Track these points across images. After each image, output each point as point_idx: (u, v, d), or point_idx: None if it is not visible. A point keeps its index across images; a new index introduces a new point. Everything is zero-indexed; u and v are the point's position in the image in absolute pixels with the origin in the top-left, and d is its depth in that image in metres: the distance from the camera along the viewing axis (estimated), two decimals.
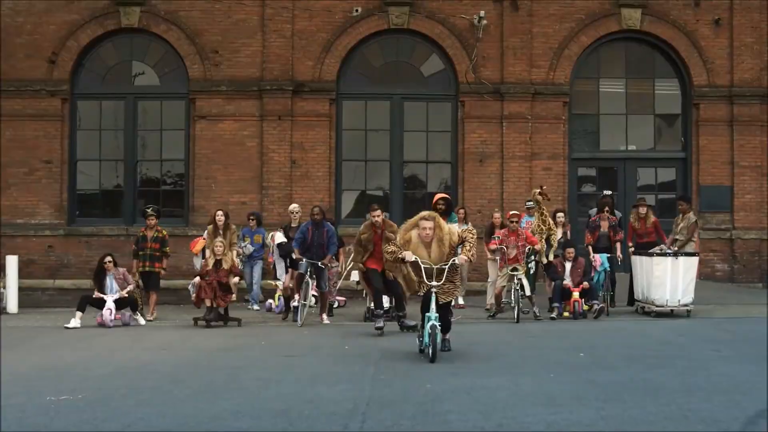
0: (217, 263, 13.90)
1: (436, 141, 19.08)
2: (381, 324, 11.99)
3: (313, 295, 13.68)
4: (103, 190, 19.24)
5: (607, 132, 19.37)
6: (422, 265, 9.47)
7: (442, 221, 9.84)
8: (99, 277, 14.25)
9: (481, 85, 18.61)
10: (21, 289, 17.08)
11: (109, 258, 14.30)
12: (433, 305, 9.37)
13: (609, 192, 16.34)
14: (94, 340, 12.13)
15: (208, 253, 14.39)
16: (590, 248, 14.89)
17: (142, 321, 14.19)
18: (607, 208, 15.23)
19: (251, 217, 16.49)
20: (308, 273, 13.48)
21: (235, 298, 13.92)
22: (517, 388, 7.77)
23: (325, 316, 13.98)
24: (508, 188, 18.42)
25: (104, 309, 13.72)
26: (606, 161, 19.39)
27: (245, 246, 15.91)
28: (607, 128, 19.37)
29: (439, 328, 9.34)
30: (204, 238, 15.50)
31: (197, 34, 18.70)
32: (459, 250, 9.90)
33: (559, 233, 15.26)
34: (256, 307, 16.12)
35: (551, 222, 15.02)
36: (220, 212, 15.54)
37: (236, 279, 14.08)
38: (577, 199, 19.07)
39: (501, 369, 8.94)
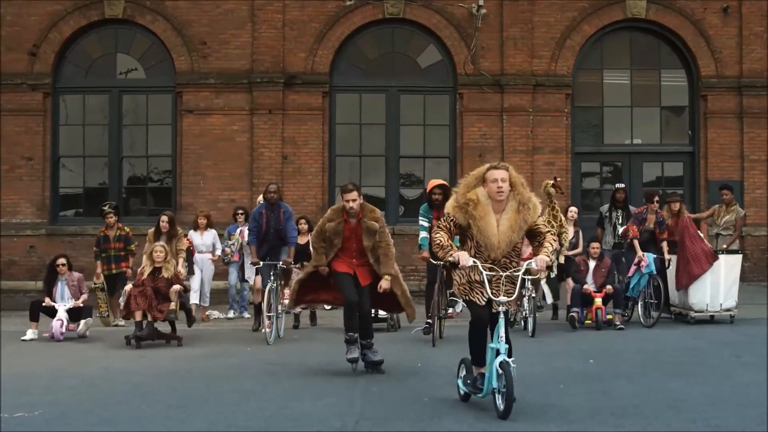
0: (157, 271, 11.60)
1: (433, 135, 18.33)
2: (356, 354, 8.70)
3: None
4: (87, 187, 18.44)
5: (611, 125, 18.60)
6: (484, 273, 6.52)
7: (520, 178, 6.76)
8: (49, 282, 12.57)
9: (480, 76, 17.86)
10: (2, 291, 16.42)
11: (62, 260, 12.59)
12: (502, 331, 6.41)
13: (623, 185, 14.60)
14: (66, 347, 11.34)
15: (144, 260, 11.86)
16: (636, 243, 12.79)
17: (83, 326, 12.06)
18: (656, 198, 13.26)
19: (239, 212, 14.79)
20: (272, 279, 11.52)
21: (173, 307, 11.45)
22: (525, 401, 7.01)
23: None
24: None
25: (54, 320, 11.95)
26: (610, 155, 18.64)
27: (232, 244, 14.46)
28: (612, 121, 18.60)
29: (513, 366, 6.33)
30: (187, 239, 14.08)
31: (184, 25, 17.95)
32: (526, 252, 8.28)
33: (570, 232, 13.52)
34: (246, 314, 14.66)
35: (563, 218, 13.19)
36: (165, 217, 13.14)
37: (177, 287, 11.58)
38: (581, 195, 18.32)
39: None
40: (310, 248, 9.13)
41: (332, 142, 18.08)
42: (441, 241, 6.62)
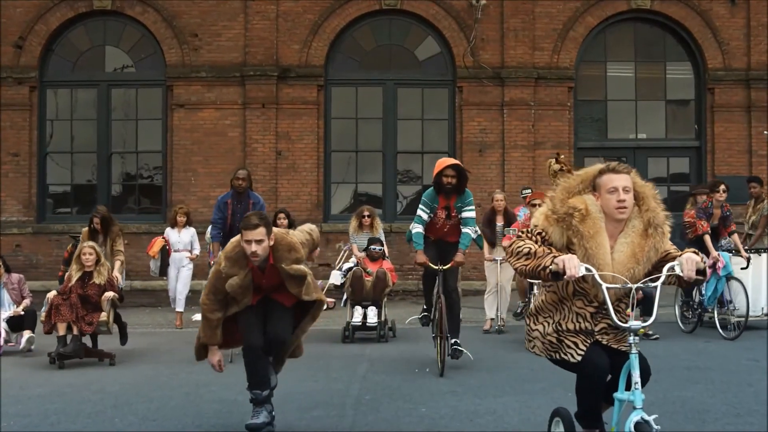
0: (87, 276, 9.72)
1: (432, 130, 17.76)
2: (262, 419, 5.92)
3: None
4: (75, 184, 17.90)
5: (615, 119, 18.05)
6: (603, 285, 4.38)
7: (650, 188, 4.68)
8: None
9: (480, 69, 17.30)
10: None
11: None
12: (637, 375, 4.30)
13: None
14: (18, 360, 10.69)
15: (73, 262, 9.92)
16: (708, 240, 10.85)
17: (25, 344, 10.36)
18: (723, 187, 11.26)
19: None
20: None
21: (105, 318, 9.57)
22: (530, 412, 6.46)
23: None
24: (509, 180, 17.10)
25: None
26: (614, 150, 18.03)
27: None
28: (616, 115, 18.05)
29: (657, 428, 4.28)
30: (163, 238, 13.36)
31: (175, 16, 17.39)
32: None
33: None
34: None
35: None
36: (96, 219, 10.85)
37: (111, 294, 9.66)
38: None
39: (509, 387, 7.58)
40: (204, 314, 6.04)
41: (327, 137, 17.52)
42: (529, 248, 4.44)
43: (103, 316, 9.54)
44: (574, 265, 4.24)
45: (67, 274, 9.98)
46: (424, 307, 9.36)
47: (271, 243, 5.75)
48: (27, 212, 17.38)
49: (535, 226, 4.62)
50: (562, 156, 12.64)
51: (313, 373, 8.40)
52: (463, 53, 17.31)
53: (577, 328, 4.56)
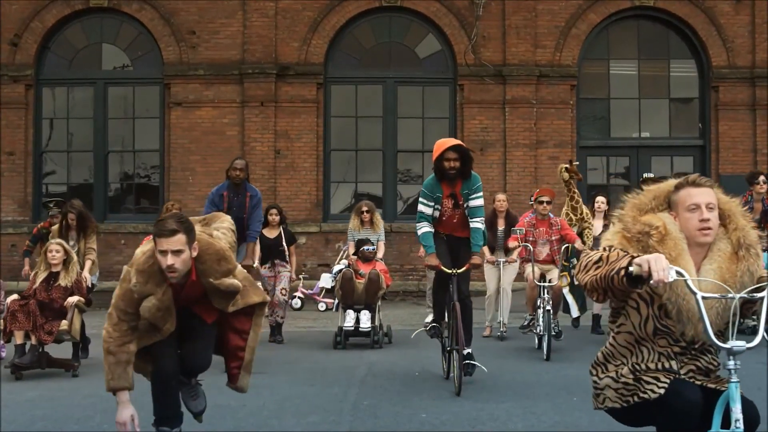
0: (53, 278, 8.76)
1: (432, 128, 17.53)
2: None
3: None
4: (71, 183, 17.70)
5: (618, 118, 17.84)
6: (699, 294, 3.46)
7: (736, 204, 3.89)
8: None
9: (481, 67, 17.09)
10: None
11: None
12: (737, 409, 3.39)
13: (651, 175, 12.16)
14: None
15: (39, 262, 8.96)
16: None
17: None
18: (762, 178, 10.33)
19: None
20: None
21: (66, 327, 8.56)
22: (535, 418, 6.25)
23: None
24: (511, 179, 16.90)
25: None
26: (617, 149, 17.87)
27: None
28: (619, 114, 17.84)
29: None
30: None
31: (172, 13, 17.19)
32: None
33: (597, 227, 11.13)
34: None
35: (585, 210, 11.34)
36: (71, 215, 9.86)
37: (75, 299, 8.64)
38: (586, 191, 17.53)
39: (512, 392, 7.35)
40: (108, 348, 4.82)
41: (327, 136, 17.31)
42: (600, 254, 3.65)
43: (64, 324, 8.55)
44: (662, 267, 3.27)
45: (33, 273, 9.04)
46: (432, 318, 8.37)
47: (194, 254, 4.60)
48: (23, 212, 17.20)
49: (611, 246, 3.76)
50: (575, 164, 12.18)
51: (308, 378, 8.18)
52: (464, 51, 17.11)
53: (659, 367, 3.70)
